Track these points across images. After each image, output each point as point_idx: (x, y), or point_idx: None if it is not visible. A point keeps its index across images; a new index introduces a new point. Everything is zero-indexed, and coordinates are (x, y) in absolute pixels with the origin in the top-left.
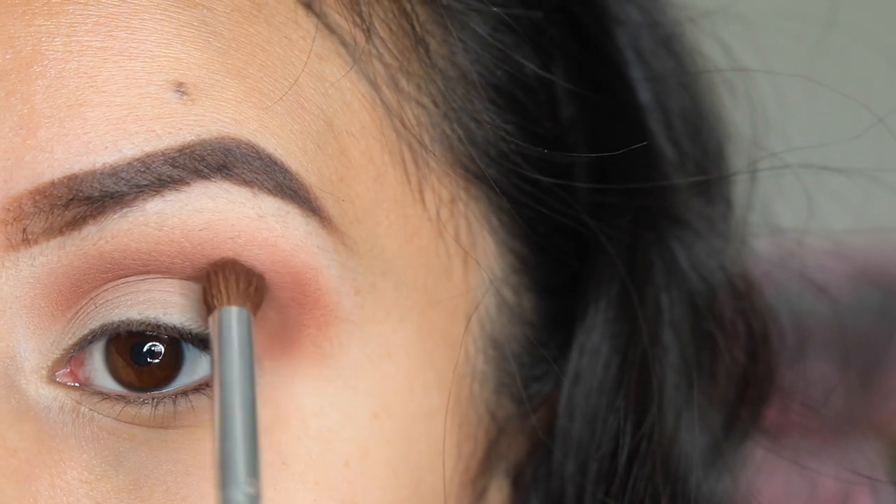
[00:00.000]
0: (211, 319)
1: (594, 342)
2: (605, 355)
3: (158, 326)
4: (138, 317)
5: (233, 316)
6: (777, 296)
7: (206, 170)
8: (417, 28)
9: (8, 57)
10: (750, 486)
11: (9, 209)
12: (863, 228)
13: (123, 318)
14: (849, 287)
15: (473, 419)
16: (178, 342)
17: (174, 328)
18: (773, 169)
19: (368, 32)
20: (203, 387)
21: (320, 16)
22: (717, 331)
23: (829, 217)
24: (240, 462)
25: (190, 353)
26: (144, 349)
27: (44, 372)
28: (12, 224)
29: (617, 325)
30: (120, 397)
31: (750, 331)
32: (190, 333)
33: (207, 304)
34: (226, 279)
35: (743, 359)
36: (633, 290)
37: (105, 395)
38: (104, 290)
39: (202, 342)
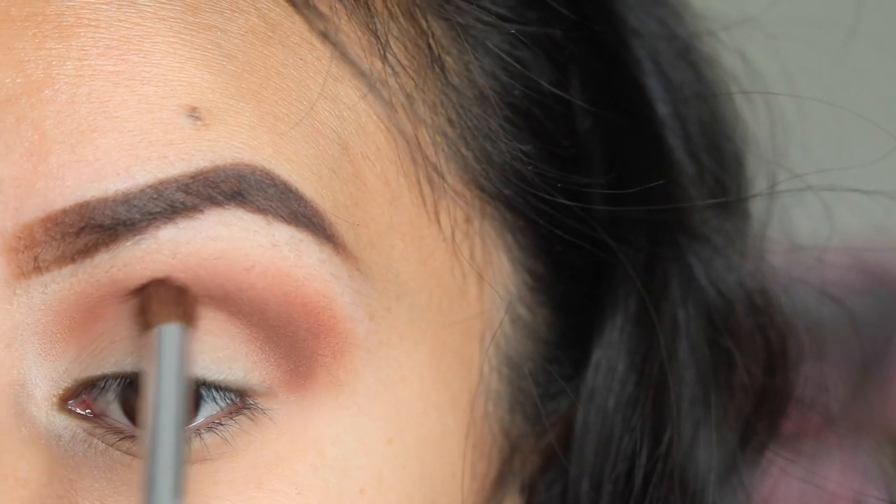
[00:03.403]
0: (150, 338)
1: (610, 359)
2: (621, 373)
3: None
4: None
5: (170, 334)
6: (786, 300)
7: (219, 197)
8: (433, 46)
9: (18, 81)
10: (765, 492)
11: (20, 237)
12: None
13: (137, 369)
14: (849, 287)
15: (487, 438)
16: (196, 387)
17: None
18: (794, 191)
19: (384, 52)
20: (215, 425)
21: (337, 43)
22: (734, 346)
23: (842, 221)
24: (167, 482)
25: (207, 396)
26: None
27: (55, 399)
28: (24, 252)
29: (634, 341)
30: (133, 436)
31: (768, 345)
32: (205, 381)
33: (143, 323)
34: (159, 297)
35: (760, 374)
36: (651, 306)
37: (119, 431)
38: (119, 327)
39: (218, 389)
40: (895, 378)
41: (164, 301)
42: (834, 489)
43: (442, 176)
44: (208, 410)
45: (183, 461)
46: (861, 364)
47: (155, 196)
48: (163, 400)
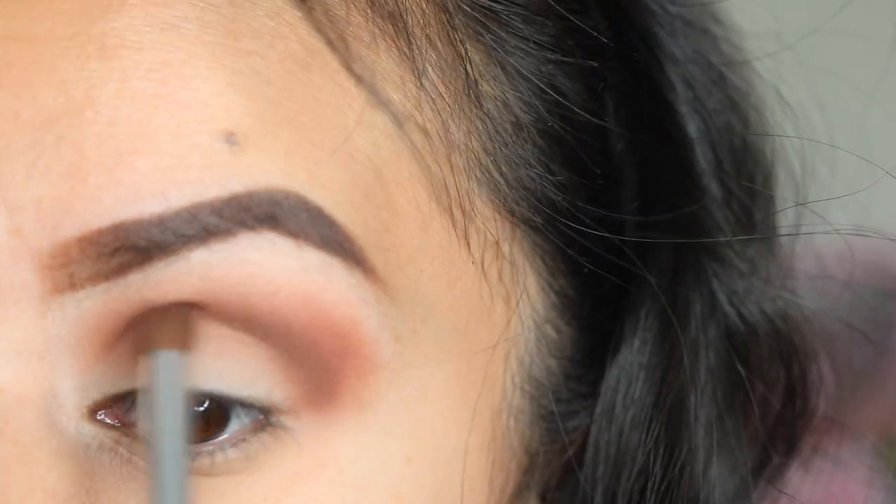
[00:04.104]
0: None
1: (628, 378)
2: (638, 392)
3: (201, 392)
4: None
5: (166, 361)
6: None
7: (251, 220)
8: (471, 72)
9: (60, 101)
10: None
11: (56, 255)
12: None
13: None
14: (845, 287)
15: (507, 453)
16: (225, 402)
17: (214, 395)
18: (820, 231)
19: (420, 79)
20: (239, 441)
21: (371, 88)
22: (754, 370)
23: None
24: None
25: (236, 412)
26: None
27: (85, 409)
28: (59, 270)
29: (652, 361)
30: None
31: (788, 371)
32: (230, 398)
33: (142, 348)
34: (159, 323)
35: (779, 401)
36: (676, 327)
37: (143, 441)
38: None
39: (243, 405)
40: (891, 380)
41: (164, 327)
42: (835, 491)
43: (473, 201)
44: (234, 426)
45: (186, 482)
46: (859, 365)
47: (189, 219)
48: (164, 425)
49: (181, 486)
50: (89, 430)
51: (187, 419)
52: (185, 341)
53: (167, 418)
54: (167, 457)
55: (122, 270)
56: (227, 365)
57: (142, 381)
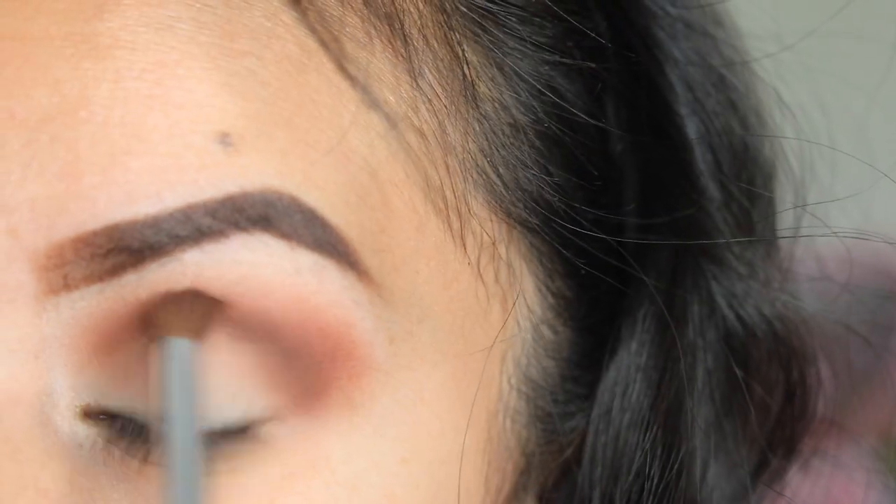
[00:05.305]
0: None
1: (626, 379)
2: (635, 394)
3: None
4: None
5: (178, 349)
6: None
7: (244, 222)
8: (468, 74)
9: (54, 101)
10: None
11: (50, 256)
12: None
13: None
14: (844, 286)
15: (504, 454)
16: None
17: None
18: (819, 234)
19: (416, 80)
20: (227, 436)
21: (364, 89)
22: (752, 373)
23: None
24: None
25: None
26: None
27: (78, 409)
28: (54, 270)
29: (650, 363)
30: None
31: (787, 373)
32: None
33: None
34: (172, 309)
35: (777, 403)
36: (672, 330)
37: (134, 439)
38: (135, 359)
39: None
40: (892, 382)
41: (176, 313)
42: (835, 493)
43: (469, 203)
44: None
45: (199, 475)
46: (859, 367)
47: (182, 220)
48: (175, 415)
49: (194, 477)
50: (82, 429)
51: (199, 409)
52: (198, 329)
53: (178, 408)
54: (179, 447)
55: (115, 271)
56: (213, 369)
57: (153, 369)
